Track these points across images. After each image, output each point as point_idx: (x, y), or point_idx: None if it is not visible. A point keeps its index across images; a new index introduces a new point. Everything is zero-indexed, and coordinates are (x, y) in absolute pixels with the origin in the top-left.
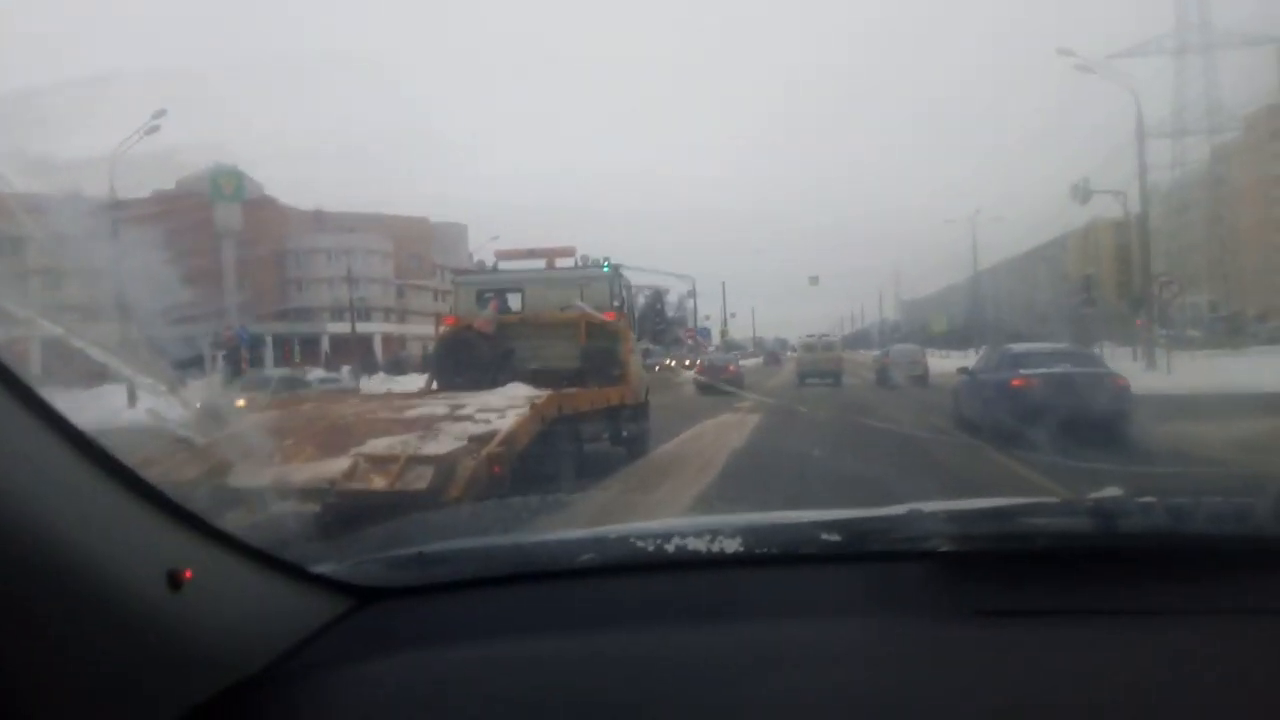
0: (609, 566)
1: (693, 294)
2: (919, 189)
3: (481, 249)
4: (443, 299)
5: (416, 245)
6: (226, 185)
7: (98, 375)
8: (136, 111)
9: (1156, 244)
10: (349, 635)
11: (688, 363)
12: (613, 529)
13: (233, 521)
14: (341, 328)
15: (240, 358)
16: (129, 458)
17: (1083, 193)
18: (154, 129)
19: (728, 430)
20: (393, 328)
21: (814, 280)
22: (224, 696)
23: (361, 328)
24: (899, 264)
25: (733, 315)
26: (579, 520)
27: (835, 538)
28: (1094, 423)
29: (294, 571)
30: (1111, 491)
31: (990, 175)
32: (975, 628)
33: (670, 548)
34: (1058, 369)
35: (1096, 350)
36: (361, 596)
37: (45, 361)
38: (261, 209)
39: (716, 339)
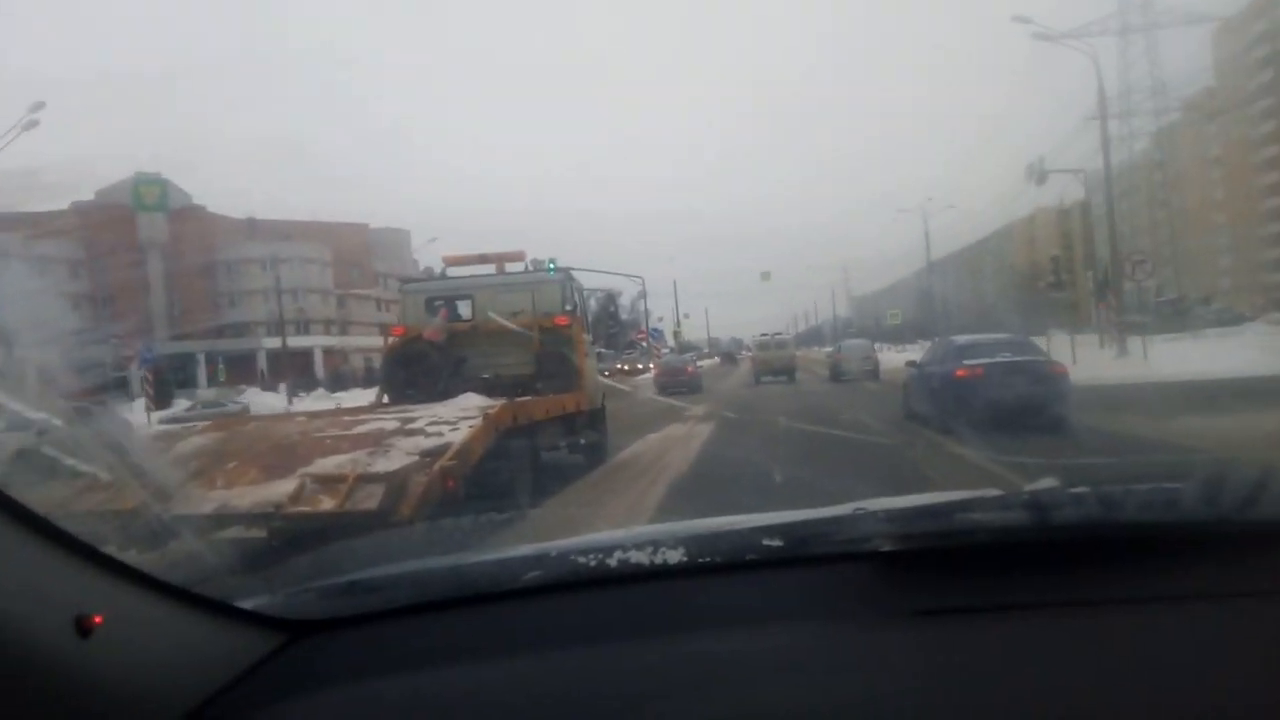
0: (550, 585)
1: (643, 295)
2: (872, 182)
3: (424, 253)
4: (386, 309)
5: (356, 253)
6: (149, 194)
7: None
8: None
9: (1103, 227)
10: (279, 672)
11: (640, 366)
12: (554, 545)
13: (149, 561)
14: (279, 343)
15: (166, 380)
16: (28, 494)
17: (1038, 173)
18: (32, 124)
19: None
20: (334, 340)
21: (766, 276)
22: None
23: (300, 342)
24: (851, 260)
25: (686, 316)
26: (528, 537)
27: (777, 542)
28: (1035, 409)
29: (217, 608)
30: (1048, 483)
31: (943, 165)
32: (915, 628)
33: (612, 562)
34: (1000, 358)
35: (1046, 339)
36: (292, 631)
37: None
38: (189, 219)
39: (670, 340)
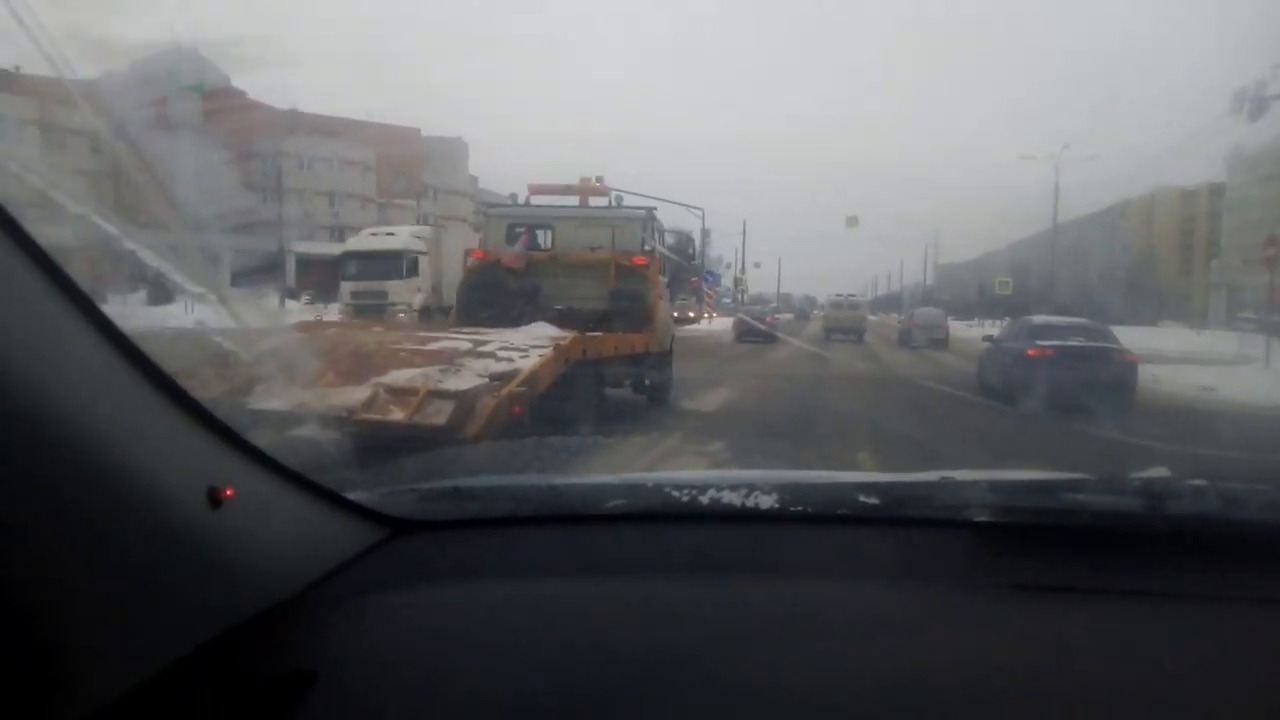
0: (642, 514)
1: (703, 230)
2: (986, 115)
3: (482, 170)
4: (434, 224)
5: (405, 160)
6: (184, 71)
7: (150, 281)
8: None
9: (1235, 214)
10: (383, 564)
11: (691, 314)
12: (648, 476)
13: (274, 443)
14: (312, 247)
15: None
16: (174, 367)
17: (1254, 104)
18: None
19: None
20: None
21: (852, 222)
22: (259, 618)
23: (332, 249)
24: (946, 217)
25: (756, 265)
26: (616, 463)
27: (874, 500)
28: (1100, 392)
29: (331, 498)
30: (1159, 472)
31: (1088, 106)
32: (1013, 601)
33: (705, 499)
34: (1072, 341)
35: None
36: (395, 527)
37: (98, 264)
38: (225, 102)
39: (730, 287)
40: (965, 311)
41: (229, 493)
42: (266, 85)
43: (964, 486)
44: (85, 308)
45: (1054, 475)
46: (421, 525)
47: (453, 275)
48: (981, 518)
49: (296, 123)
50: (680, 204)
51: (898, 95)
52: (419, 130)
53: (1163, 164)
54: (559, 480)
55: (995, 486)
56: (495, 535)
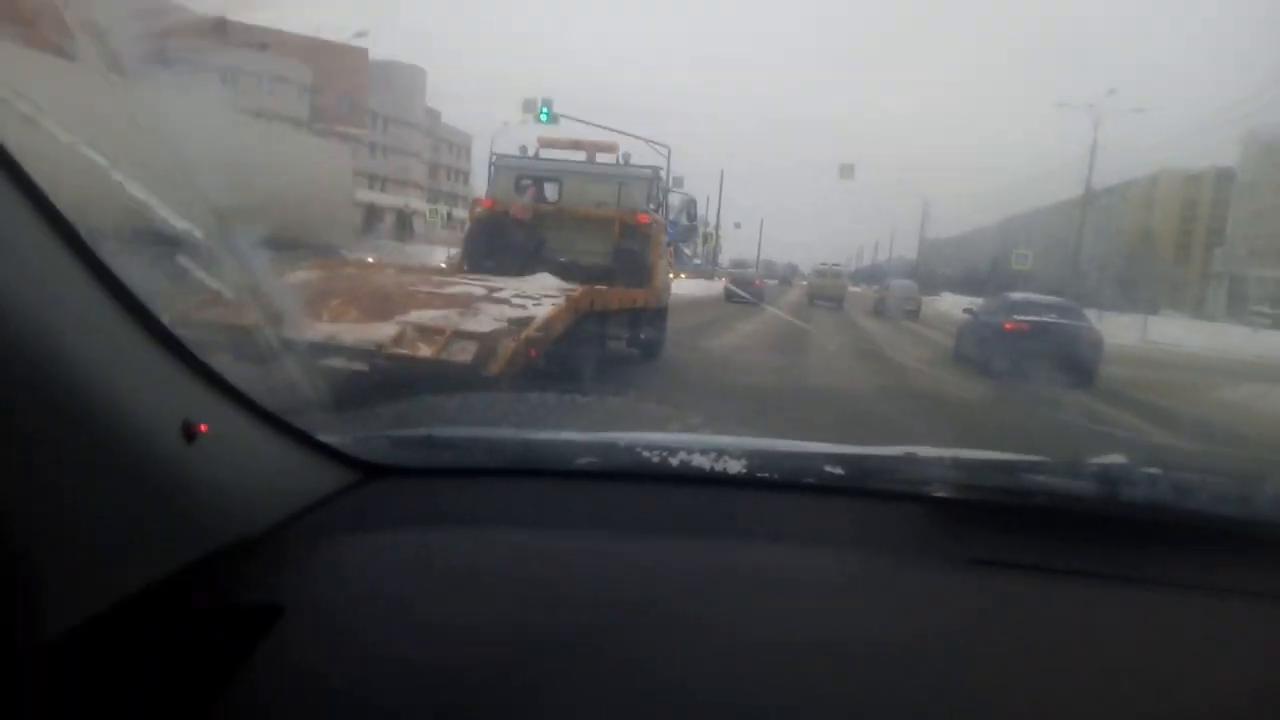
0: (613, 472)
1: (669, 173)
2: (996, 67)
3: (441, 101)
4: (384, 156)
5: (349, 83)
6: None
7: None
8: None
9: (1245, 201)
10: (352, 508)
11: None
12: (620, 436)
13: (250, 381)
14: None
15: None
16: (162, 301)
17: None
18: None
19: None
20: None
21: (846, 171)
22: (224, 553)
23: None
24: (936, 189)
25: (736, 225)
26: (593, 418)
27: (838, 470)
28: (1069, 365)
29: (304, 439)
30: (1115, 458)
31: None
32: (970, 576)
33: (674, 461)
34: (1046, 318)
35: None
36: (367, 471)
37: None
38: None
39: (698, 246)
40: (957, 286)
41: (203, 428)
42: None
43: (928, 463)
44: (68, 235)
45: (1015, 456)
46: (394, 471)
47: None
48: (942, 493)
49: (223, 32)
50: (644, 139)
51: (898, 44)
52: (366, 51)
53: (1179, 143)
54: (533, 435)
55: (958, 464)
56: (466, 485)
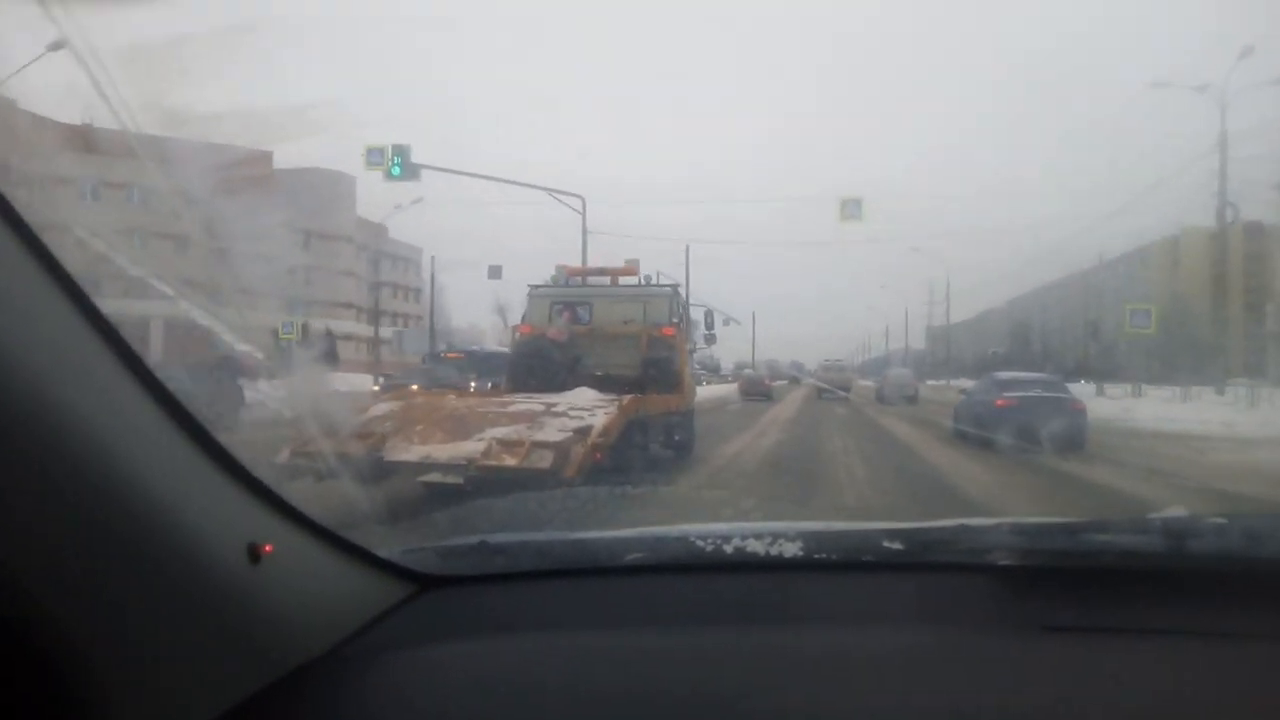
0: (667, 565)
1: (584, 228)
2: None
3: (380, 212)
4: (303, 274)
5: (250, 194)
6: None
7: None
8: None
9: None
10: (410, 621)
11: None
12: (672, 529)
13: (308, 499)
14: (113, 305)
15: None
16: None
17: None
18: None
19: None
20: (147, 306)
21: (851, 209)
22: (296, 674)
23: (132, 307)
24: (939, 275)
25: (726, 323)
26: (643, 511)
27: (897, 546)
28: (1057, 433)
29: (362, 555)
30: (1175, 510)
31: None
32: (1044, 643)
33: (728, 549)
34: (1032, 393)
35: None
36: (423, 583)
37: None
38: None
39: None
40: (968, 371)
41: (268, 549)
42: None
43: (987, 531)
44: (135, 367)
45: (1074, 519)
46: (449, 580)
47: None
48: (1005, 561)
49: (90, 140)
50: (555, 191)
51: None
52: (271, 154)
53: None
54: (584, 535)
55: (1018, 529)
56: (521, 589)
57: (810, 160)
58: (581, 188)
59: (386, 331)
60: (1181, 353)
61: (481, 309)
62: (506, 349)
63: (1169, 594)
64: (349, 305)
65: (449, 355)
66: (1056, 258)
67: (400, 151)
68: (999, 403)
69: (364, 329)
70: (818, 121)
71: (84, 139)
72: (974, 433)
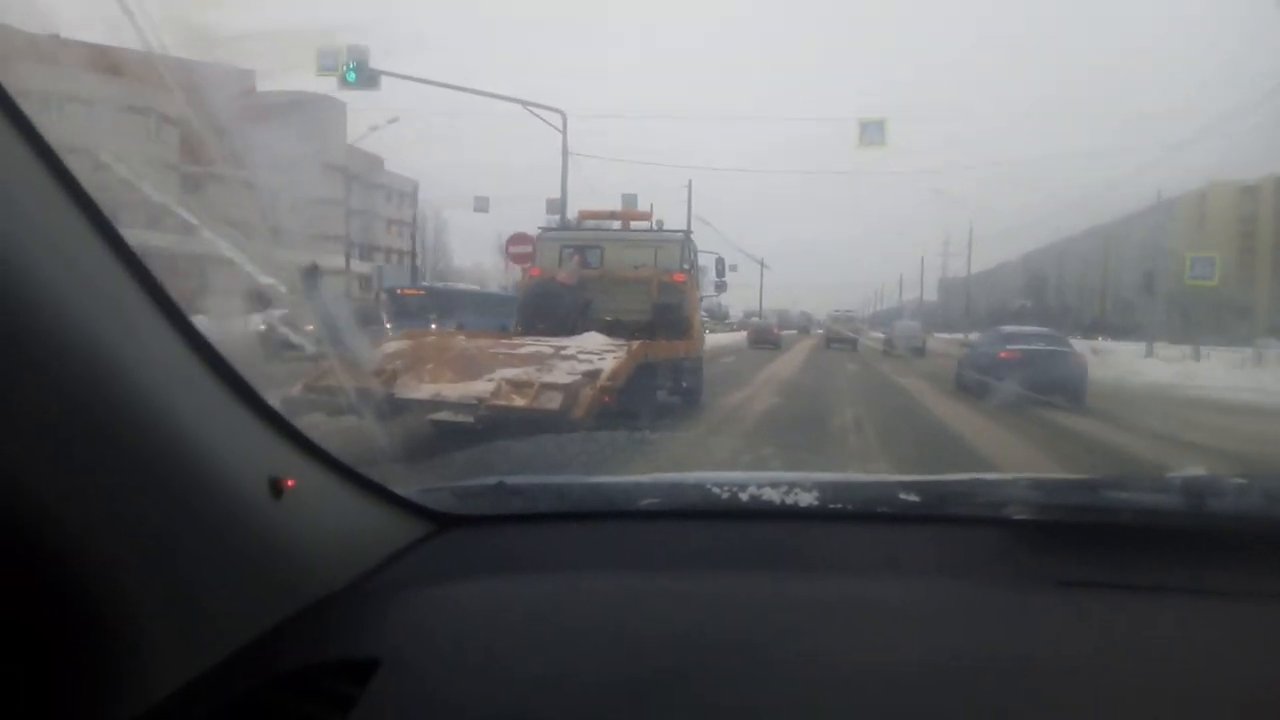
0: (683, 511)
1: (564, 150)
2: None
3: (369, 141)
4: (301, 213)
5: (232, 117)
6: None
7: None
8: None
9: None
10: (429, 559)
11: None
12: (688, 475)
13: (327, 434)
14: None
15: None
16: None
17: None
18: None
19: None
20: (168, 241)
21: (873, 132)
22: (319, 606)
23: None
24: (954, 228)
25: (733, 268)
26: (657, 458)
27: (914, 498)
28: (1057, 387)
29: (381, 493)
30: (1196, 469)
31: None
32: (1059, 597)
33: (744, 496)
34: (1035, 346)
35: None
36: (441, 522)
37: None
38: None
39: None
40: (982, 324)
41: (290, 483)
42: None
43: (1004, 484)
44: (162, 302)
45: (1093, 475)
46: (466, 520)
47: None
48: (1022, 515)
49: (56, 53)
50: (532, 104)
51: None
52: (254, 72)
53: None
54: (601, 479)
55: (1036, 484)
56: (537, 531)
57: (826, 79)
58: (566, 104)
59: (367, 267)
60: (1205, 311)
61: (486, 248)
62: (476, 287)
63: (1187, 552)
64: (336, 239)
65: (405, 292)
66: (1092, 202)
67: (357, 53)
68: (1002, 355)
69: (359, 266)
70: (834, 34)
71: (107, 59)
72: (977, 379)
